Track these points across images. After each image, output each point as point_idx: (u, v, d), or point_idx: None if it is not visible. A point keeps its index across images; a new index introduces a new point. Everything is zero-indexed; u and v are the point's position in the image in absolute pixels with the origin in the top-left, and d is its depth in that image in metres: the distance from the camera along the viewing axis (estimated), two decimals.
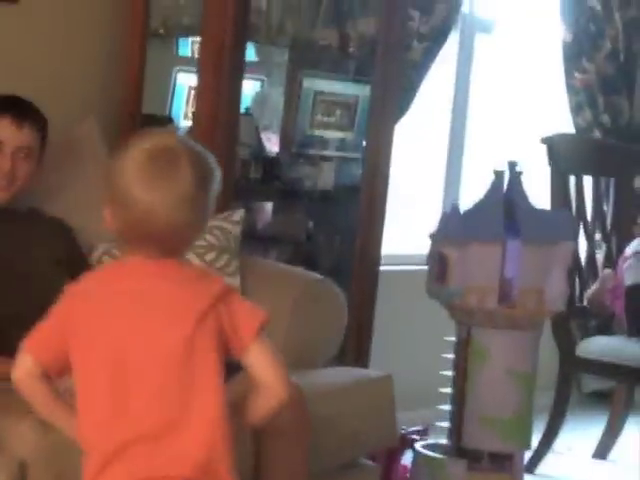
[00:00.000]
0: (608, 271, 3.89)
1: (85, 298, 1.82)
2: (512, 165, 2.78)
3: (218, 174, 1.85)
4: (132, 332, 1.78)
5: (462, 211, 2.80)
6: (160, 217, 1.76)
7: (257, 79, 3.87)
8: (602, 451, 4.09)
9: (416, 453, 2.68)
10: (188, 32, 3.68)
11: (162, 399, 1.76)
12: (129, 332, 1.78)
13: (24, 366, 1.82)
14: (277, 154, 3.79)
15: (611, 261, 3.98)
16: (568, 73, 4.89)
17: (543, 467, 3.88)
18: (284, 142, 3.88)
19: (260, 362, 1.84)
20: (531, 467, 3.82)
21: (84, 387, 1.79)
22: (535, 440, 3.78)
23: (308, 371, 2.70)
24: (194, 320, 1.78)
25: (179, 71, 3.66)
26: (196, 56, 3.53)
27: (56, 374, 1.84)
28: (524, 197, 2.76)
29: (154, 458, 1.76)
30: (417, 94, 4.19)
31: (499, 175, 2.77)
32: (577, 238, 3.58)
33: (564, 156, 3.89)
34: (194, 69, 3.43)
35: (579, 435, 4.28)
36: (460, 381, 2.68)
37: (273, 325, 2.70)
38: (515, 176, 2.77)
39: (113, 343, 1.78)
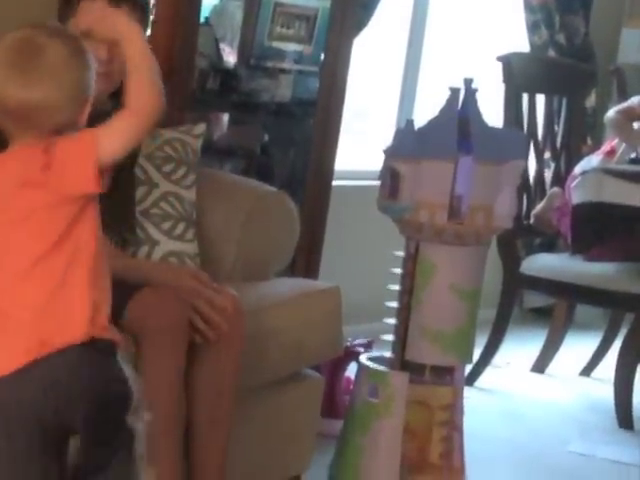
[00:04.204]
0: (556, 189, 3.88)
1: None
2: (468, 82, 2.71)
3: (85, 58, 1.84)
4: None
5: (416, 127, 2.75)
6: (11, 96, 1.77)
7: None
8: (540, 365, 4.13)
9: (360, 365, 2.65)
10: None
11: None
12: None
13: None
14: (235, 65, 3.70)
15: (559, 180, 3.96)
16: None
17: (482, 380, 3.92)
18: (242, 54, 3.79)
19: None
20: (471, 380, 3.84)
21: None
22: (476, 354, 3.82)
23: (258, 282, 2.67)
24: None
25: None
26: None
27: None
28: (478, 115, 2.70)
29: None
30: (376, 9, 4.13)
31: (454, 92, 2.70)
32: (527, 157, 3.55)
33: (518, 74, 3.85)
34: None
35: (519, 350, 4.31)
36: (406, 295, 2.65)
37: (226, 236, 2.70)
38: (470, 93, 2.70)
39: None
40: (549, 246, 3.94)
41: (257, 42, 3.74)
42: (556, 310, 4.13)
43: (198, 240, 2.64)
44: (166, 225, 2.66)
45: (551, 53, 4.88)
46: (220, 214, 2.72)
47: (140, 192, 2.68)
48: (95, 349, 1.77)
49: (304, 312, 2.61)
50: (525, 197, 3.90)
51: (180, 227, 2.64)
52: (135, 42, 1.88)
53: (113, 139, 1.80)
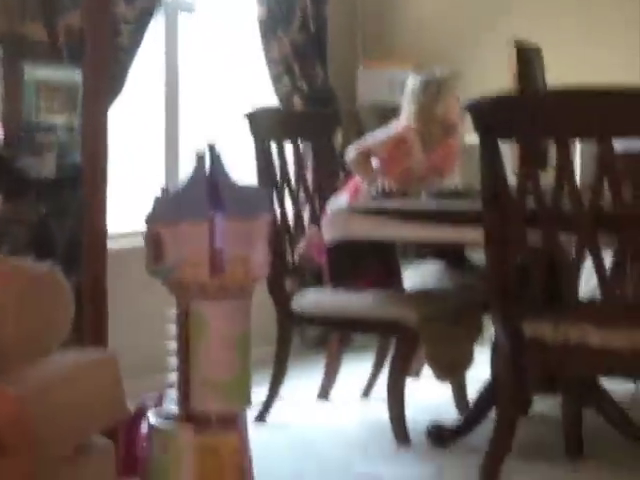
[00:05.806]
0: (313, 228, 4.03)
1: None
2: (211, 147, 2.85)
3: None
4: None
5: (171, 193, 2.86)
6: None
7: None
8: (324, 392, 4.23)
9: (148, 423, 2.74)
10: None
11: None
12: None
13: None
14: (1, 146, 3.73)
15: (316, 219, 4.08)
16: (266, 46, 5.03)
17: (273, 416, 3.96)
18: (8, 134, 3.81)
19: None
20: (262, 417, 3.93)
21: None
22: (263, 391, 3.93)
23: (37, 360, 2.69)
24: None
25: None
26: None
27: None
28: (226, 176, 2.84)
29: None
30: (129, 75, 4.22)
31: (200, 158, 2.84)
32: (272, 211, 3.67)
33: (265, 127, 4.00)
34: None
35: (305, 380, 4.41)
36: (184, 350, 2.75)
37: (1, 320, 2.71)
38: (215, 157, 2.84)
39: None
40: (318, 281, 4.07)
41: (23, 121, 3.77)
42: (330, 340, 4.27)
43: None
44: None
45: (296, 100, 5.09)
46: None
47: None
48: None
49: (84, 383, 2.65)
50: (288, 239, 4.05)
51: None
52: None
53: None
